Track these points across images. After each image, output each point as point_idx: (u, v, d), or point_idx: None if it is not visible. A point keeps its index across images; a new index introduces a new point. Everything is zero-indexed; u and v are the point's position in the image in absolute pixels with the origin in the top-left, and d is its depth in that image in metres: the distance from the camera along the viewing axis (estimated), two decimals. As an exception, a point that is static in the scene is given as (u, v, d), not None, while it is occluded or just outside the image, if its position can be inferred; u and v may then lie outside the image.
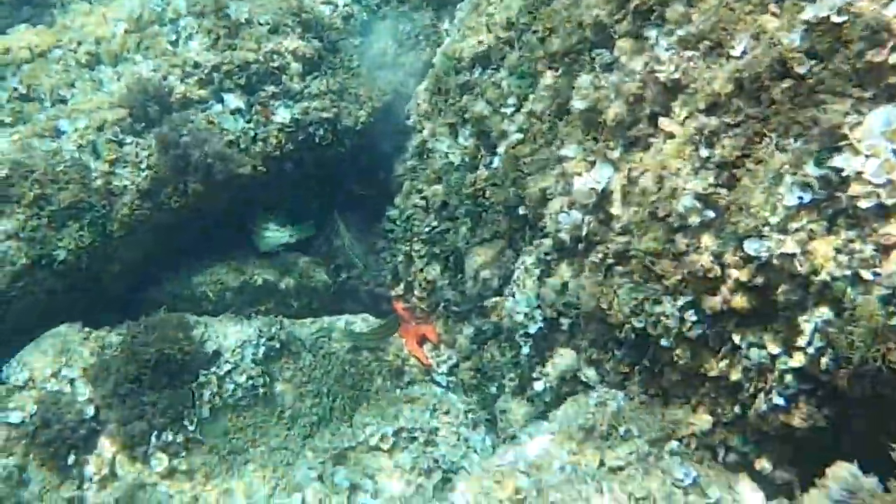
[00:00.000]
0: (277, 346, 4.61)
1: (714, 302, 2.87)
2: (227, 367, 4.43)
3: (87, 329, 4.60)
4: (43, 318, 4.67)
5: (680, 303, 3.03)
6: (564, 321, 3.66)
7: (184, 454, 4.27)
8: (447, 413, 4.44)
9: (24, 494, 4.09)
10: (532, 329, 3.81)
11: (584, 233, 3.39)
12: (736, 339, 2.91)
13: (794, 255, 2.66)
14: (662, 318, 3.08)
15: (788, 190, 2.67)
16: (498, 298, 4.37)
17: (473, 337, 4.67)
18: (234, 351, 4.48)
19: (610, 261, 3.33)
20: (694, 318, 3.01)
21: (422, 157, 5.15)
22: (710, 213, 2.89)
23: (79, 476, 4.18)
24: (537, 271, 3.87)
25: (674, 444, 3.08)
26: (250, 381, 4.44)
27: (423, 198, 4.95)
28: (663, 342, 3.10)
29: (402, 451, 4.28)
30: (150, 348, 4.17)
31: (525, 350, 3.89)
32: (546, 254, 3.75)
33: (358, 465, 4.25)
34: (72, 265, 4.63)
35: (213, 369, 4.41)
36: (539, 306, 3.81)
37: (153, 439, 4.19)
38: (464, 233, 4.62)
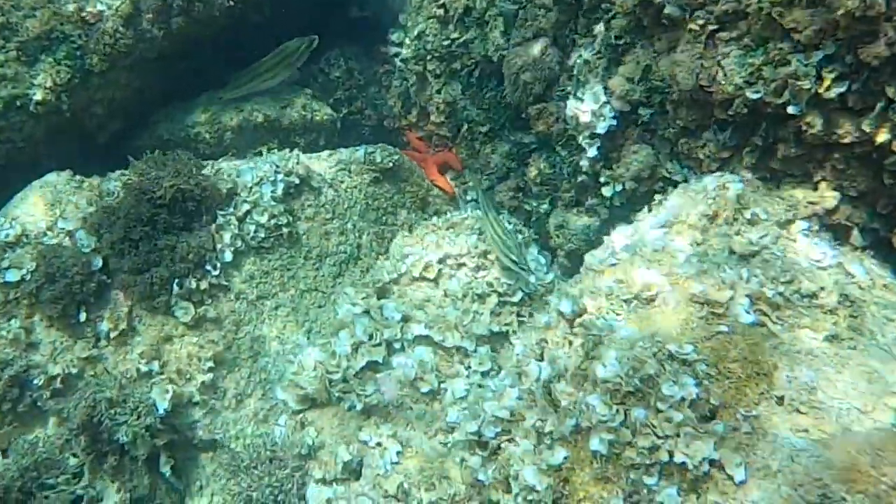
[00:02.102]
0: (296, 181, 4.03)
1: (874, 47, 2.34)
2: (246, 206, 3.84)
3: (78, 177, 3.94)
4: (25, 169, 4.00)
5: (816, 58, 2.50)
6: (644, 112, 3.13)
7: (210, 301, 3.72)
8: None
9: (35, 357, 3.52)
10: (600, 128, 3.27)
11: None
12: (890, 91, 2.40)
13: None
14: (791, 80, 2.55)
15: None
16: (543, 104, 3.81)
17: (511, 153, 4.13)
18: (250, 189, 3.89)
19: (712, 27, 2.77)
20: (834, 75, 2.49)
21: (433, -40, 4.47)
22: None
23: (93, 333, 3.60)
24: (602, 62, 3.31)
25: (802, 224, 2.61)
26: (273, 221, 3.87)
27: (440, 6, 4.29)
28: (791, 109, 2.59)
29: (450, 279, 3.78)
30: (163, 183, 3.55)
31: (591, 153, 3.35)
32: (617, 37, 3.17)
33: (404, 298, 3.75)
34: (51, 106, 3.96)
35: (231, 209, 3.81)
36: (608, 102, 3.25)
37: (175, 287, 3.61)
38: (495, 38, 4.00)
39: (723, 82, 2.74)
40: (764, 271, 2.41)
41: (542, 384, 2.46)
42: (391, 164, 4.38)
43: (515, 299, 3.68)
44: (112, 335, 3.63)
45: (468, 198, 4.56)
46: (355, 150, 4.40)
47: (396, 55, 4.92)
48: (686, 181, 3.12)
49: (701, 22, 2.79)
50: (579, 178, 3.61)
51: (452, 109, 4.50)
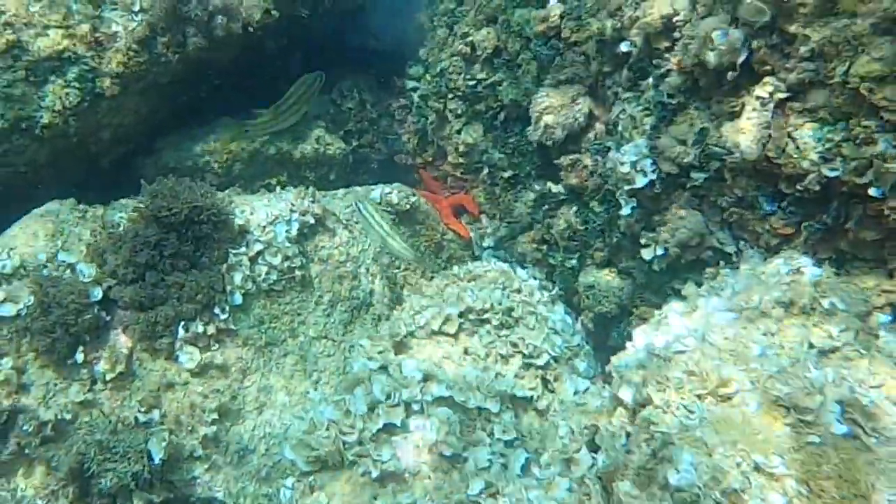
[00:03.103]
0: (312, 221, 3.74)
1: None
2: (259, 246, 3.54)
3: (81, 206, 3.63)
4: (24, 194, 3.68)
5: (907, 140, 2.27)
6: (697, 176, 2.88)
7: (216, 347, 3.42)
8: (519, 291, 3.66)
9: (25, 400, 3.19)
10: (639, 182, 3.02)
11: (740, 60, 2.56)
12: None
13: None
14: (877, 161, 2.32)
15: None
16: (577, 156, 3.56)
17: (537, 203, 3.87)
18: (264, 228, 3.59)
19: (781, 95, 2.53)
20: (927, 160, 2.26)
21: (463, -4, 4.23)
22: None
23: (89, 376, 3.28)
24: (650, 119, 3.06)
25: (882, 317, 2.36)
26: (286, 263, 3.57)
27: (468, 44, 4.03)
28: (872, 191, 2.35)
29: (471, 336, 3.50)
30: (179, 198, 3.24)
31: (626, 210, 3.10)
32: (670, 95, 2.92)
33: (422, 353, 3.47)
34: (58, 130, 3.64)
35: (243, 248, 3.51)
36: (652, 158, 3.01)
37: (180, 330, 3.31)
38: (526, 82, 3.75)
39: (795, 156, 2.49)
40: (851, 372, 2.15)
41: (596, 477, 2.18)
42: (408, 206, 4.11)
43: (541, 362, 3.43)
44: (109, 378, 3.30)
45: (484, 244, 4.28)
46: (371, 189, 4.14)
47: (414, 90, 4.66)
48: (737, 253, 2.87)
49: (770, 89, 2.55)
50: (614, 238, 3.35)
51: (472, 151, 4.25)
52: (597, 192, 3.43)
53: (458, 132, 4.25)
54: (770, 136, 2.56)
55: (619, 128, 3.18)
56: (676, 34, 2.93)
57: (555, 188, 3.74)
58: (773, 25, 2.54)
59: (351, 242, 3.89)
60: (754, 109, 2.60)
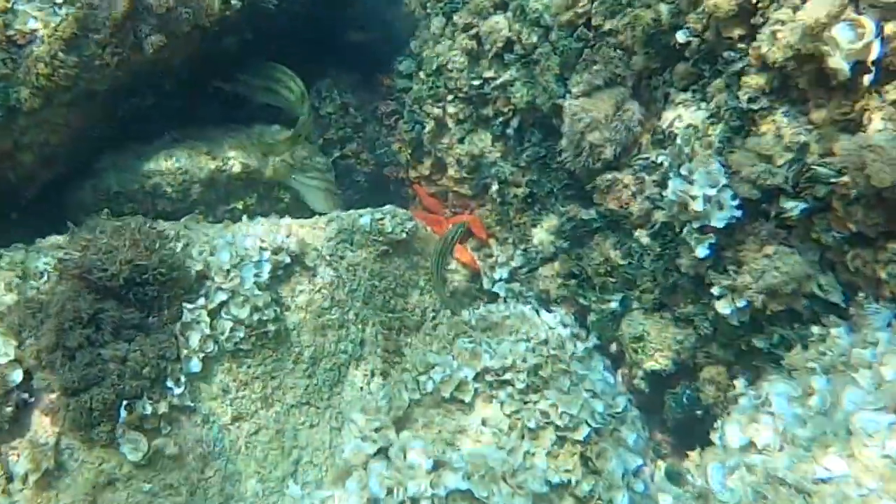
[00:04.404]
0: (287, 260, 3.05)
1: None
2: (222, 296, 2.85)
3: (-4, 252, 2.93)
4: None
5: None
6: (791, 205, 2.20)
7: (168, 430, 2.72)
8: (546, 342, 2.98)
9: (-77, 511, 2.50)
10: (717, 220, 2.35)
11: (872, 57, 1.88)
12: None
13: None
14: None
15: None
16: (613, 175, 2.88)
17: (562, 230, 3.18)
18: (228, 273, 2.90)
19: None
20: None
21: (465, -21, 3.53)
22: None
23: (4, 472, 2.58)
24: (719, 129, 2.37)
25: None
26: (256, 316, 2.88)
27: (472, 36, 3.34)
28: None
29: (490, 403, 2.83)
30: (118, 256, 2.54)
31: (701, 252, 2.42)
32: (750, 99, 2.24)
33: (430, 429, 2.79)
34: (-38, 156, 2.92)
35: (201, 301, 2.82)
36: (729, 185, 2.33)
37: (122, 413, 2.61)
38: (547, 82, 3.05)
39: (945, 183, 1.81)
40: None
41: None
42: (404, 234, 3.41)
43: (579, 436, 2.76)
44: (31, 477, 2.60)
45: (496, 276, 3.59)
46: (359, 215, 3.43)
47: (405, 90, 3.95)
48: (846, 303, 2.20)
49: (909, 98, 1.87)
50: (671, 279, 2.67)
51: (478, 164, 3.55)
52: (644, 220, 2.74)
53: (461, 141, 3.58)
54: (910, 157, 1.88)
55: (678, 141, 2.49)
56: (757, 18, 2.23)
57: (585, 213, 3.05)
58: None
59: (336, 283, 3.21)
60: (888, 118, 1.92)
